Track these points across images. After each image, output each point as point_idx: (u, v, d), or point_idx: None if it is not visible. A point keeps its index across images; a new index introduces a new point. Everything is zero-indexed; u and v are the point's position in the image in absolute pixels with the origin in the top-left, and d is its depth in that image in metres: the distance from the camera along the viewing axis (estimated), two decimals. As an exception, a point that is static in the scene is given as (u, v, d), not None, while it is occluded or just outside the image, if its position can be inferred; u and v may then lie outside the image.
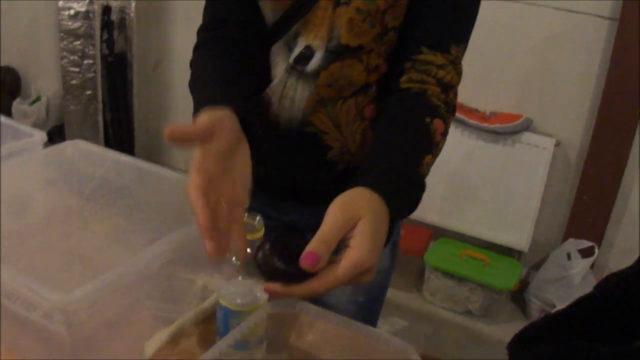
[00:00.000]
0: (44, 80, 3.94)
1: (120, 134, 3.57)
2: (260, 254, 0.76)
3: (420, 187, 0.95)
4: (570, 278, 2.65)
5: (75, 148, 1.26)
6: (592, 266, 2.69)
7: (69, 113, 3.47)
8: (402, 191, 0.92)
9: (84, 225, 1.17)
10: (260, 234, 0.91)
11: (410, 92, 1.05)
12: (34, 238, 1.12)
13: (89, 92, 3.38)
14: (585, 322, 0.61)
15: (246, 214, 0.92)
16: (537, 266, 2.90)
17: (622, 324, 0.57)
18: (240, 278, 0.94)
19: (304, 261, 0.73)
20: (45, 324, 0.90)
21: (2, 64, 3.92)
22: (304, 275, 0.74)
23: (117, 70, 3.44)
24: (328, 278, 0.75)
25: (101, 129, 3.46)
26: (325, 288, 0.75)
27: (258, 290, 0.94)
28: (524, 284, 2.88)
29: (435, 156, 1.00)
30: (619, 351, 0.53)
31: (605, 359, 0.53)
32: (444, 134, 1.02)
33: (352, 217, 0.78)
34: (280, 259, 0.75)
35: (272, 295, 0.78)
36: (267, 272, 0.76)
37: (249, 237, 0.91)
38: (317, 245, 0.74)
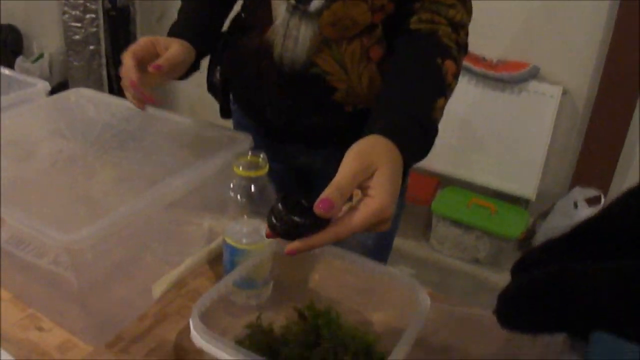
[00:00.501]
0: (46, 37, 3.91)
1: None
2: (273, 215, 0.75)
3: (433, 132, 0.95)
4: (576, 226, 2.64)
5: (79, 95, 1.26)
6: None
7: (73, 69, 3.45)
8: (416, 138, 0.91)
9: (90, 170, 1.17)
10: (265, 170, 0.91)
11: (420, 32, 1.03)
12: (40, 183, 1.12)
13: (92, 47, 3.35)
14: (587, 243, 0.61)
15: (250, 152, 0.92)
16: (544, 215, 2.89)
17: (623, 243, 0.57)
18: (245, 217, 0.94)
19: (319, 207, 0.72)
20: (52, 269, 0.91)
21: (3, 23, 3.89)
22: (320, 226, 0.73)
23: (120, 24, 3.40)
24: (345, 226, 0.74)
25: (105, 84, 3.44)
26: (344, 235, 0.74)
27: (263, 229, 0.94)
28: (530, 233, 2.88)
29: (447, 98, 0.99)
30: (611, 267, 0.53)
31: (596, 277, 0.53)
32: (456, 75, 1.01)
33: (368, 166, 0.78)
34: (294, 213, 0.74)
35: (293, 254, 0.77)
36: (284, 230, 0.74)
37: (253, 174, 0.91)
38: (331, 191, 0.73)
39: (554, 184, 2.90)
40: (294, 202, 0.74)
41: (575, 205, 2.70)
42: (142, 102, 1.08)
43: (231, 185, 0.92)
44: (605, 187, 2.73)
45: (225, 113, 1.38)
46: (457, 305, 1.04)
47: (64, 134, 1.20)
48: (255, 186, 0.91)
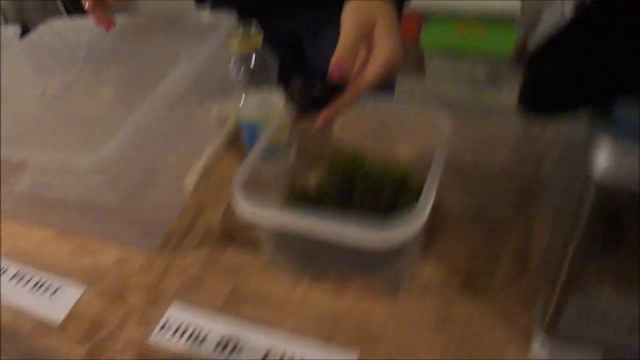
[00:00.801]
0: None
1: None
2: (292, 98, 0.75)
3: None
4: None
5: (52, 28, 1.24)
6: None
7: (27, 12, 3.35)
8: None
9: (88, 93, 1.17)
10: (260, 40, 0.91)
11: None
12: (45, 120, 1.13)
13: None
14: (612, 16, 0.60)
15: (240, 27, 0.91)
16: (533, 28, 2.87)
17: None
18: (253, 91, 0.95)
19: (334, 73, 0.72)
20: (85, 198, 0.93)
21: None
22: (339, 93, 0.74)
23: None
24: (362, 82, 0.74)
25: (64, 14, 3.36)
26: (362, 91, 0.74)
27: (272, 96, 0.95)
28: (523, 48, 2.87)
29: None
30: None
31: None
32: None
33: (367, 21, 0.77)
34: (312, 88, 0.74)
35: (324, 125, 0.77)
36: (307, 107, 0.75)
37: (249, 47, 0.91)
38: (339, 55, 0.73)
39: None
40: (307, 79, 0.74)
41: (563, 14, 2.66)
42: (104, 25, 1.09)
43: (231, 66, 0.92)
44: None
45: None
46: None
47: (52, 68, 1.19)
48: (254, 58, 0.92)
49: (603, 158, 0.51)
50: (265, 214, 0.74)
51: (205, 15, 1.11)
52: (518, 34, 2.84)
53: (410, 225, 0.68)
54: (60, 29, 1.24)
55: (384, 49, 0.76)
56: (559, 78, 0.60)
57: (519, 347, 0.74)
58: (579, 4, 0.66)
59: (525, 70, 0.68)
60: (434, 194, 0.72)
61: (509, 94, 2.78)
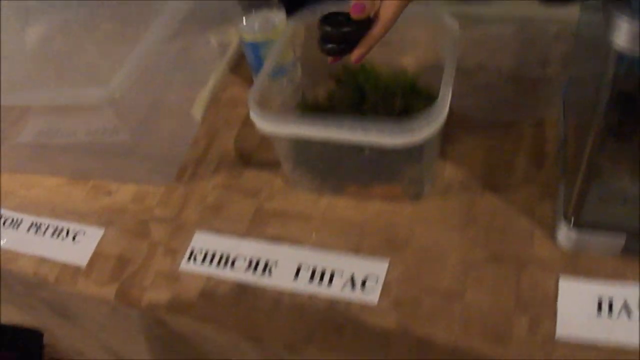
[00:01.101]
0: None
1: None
2: (323, 39, 0.73)
3: None
4: None
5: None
6: None
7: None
8: None
9: (85, 33, 1.15)
10: None
11: None
12: (43, 61, 1.11)
13: None
14: None
15: None
16: None
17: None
18: (253, 12, 0.93)
19: (355, 14, 0.71)
20: (92, 139, 0.93)
21: None
22: (367, 27, 0.73)
23: None
24: (386, 17, 0.72)
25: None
26: (390, 20, 0.72)
27: (273, 16, 0.94)
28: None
29: None
30: None
31: None
32: None
33: None
34: (341, 27, 0.73)
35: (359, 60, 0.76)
36: (339, 46, 0.74)
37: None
38: None
39: None
40: (334, 19, 0.73)
41: None
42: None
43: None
44: None
45: None
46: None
47: (44, 8, 1.16)
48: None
49: (623, 30, 0.51)
50: (285, 124, 0.74)
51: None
52: None
53: (431, 122, 0.68)
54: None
55: None
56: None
57: (543, 238, 0.75)
58: None
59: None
60: (450, 92, 0.71)
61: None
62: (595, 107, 0.60)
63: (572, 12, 0.83)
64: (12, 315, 1.13)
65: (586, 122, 0.63)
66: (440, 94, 0.71)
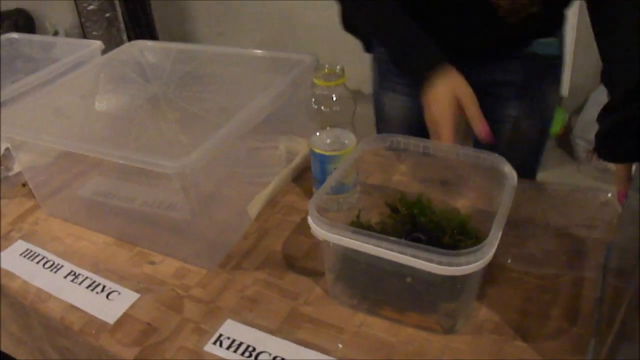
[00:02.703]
0: (58, 14, 3.90)
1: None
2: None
3: None
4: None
5: (136, 46, 1.30)
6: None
7: (92, 39, 3.48)
8: None
9: (163, 112, 1.22)
10: (343, 80, 0.96)
11: None
12: (124, 128, 1.18)
13: (108, 15, 3.38)
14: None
15: (326, 66, 0.97)
16: (578, 110, 2.92)
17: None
18: (328, 128, 1.00)
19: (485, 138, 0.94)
20: (147, 210, 0.97)
21: (11, 8, 3.87)
22: None
23: (131, -13, 3.43)
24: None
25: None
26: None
27: (345, 137, 1.00)
28: (568, 129, 2.91)
29: None
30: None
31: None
32: None
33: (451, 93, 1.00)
34: None
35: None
36: None
37: (333, 83, 0.96)
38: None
39: (584, 79, 2.90)
40: None
41: (609, 96, 2.70)
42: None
43: (313, 98, 0.97)
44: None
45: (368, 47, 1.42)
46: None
47: (133, 81, 1.25)
48: (335, 95, 0.97)
49: None
50: (339, 234, 0.78)
51: (290, 52, 1.16)
52: (565, 116, 2.89)
53: (476, 259, 0.71)
54: (144, 49, 1.31)
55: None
56: (632, 129, 0.64)
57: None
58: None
59: (599, 121, 0.72)
60: (499, 235, 0.75)
61: (552, 171, 2.81)
62: (633, 273, 0.63)
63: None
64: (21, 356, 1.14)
65: (623, 287, 0.65)
66: (490, 234, 0.74)
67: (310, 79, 0.98)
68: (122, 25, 3.42)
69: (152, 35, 3.60)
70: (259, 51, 1.20)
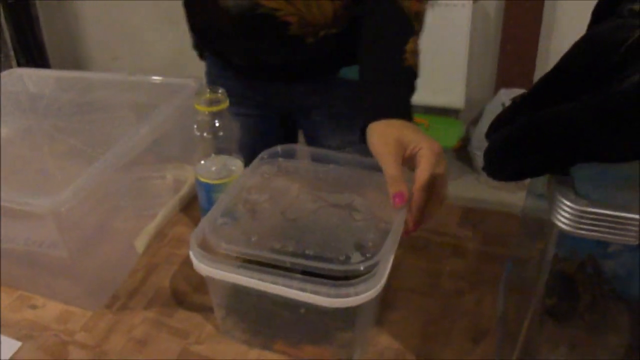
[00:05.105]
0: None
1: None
2: None
3: (413, 77, 1.01)
4: (508, 126, 2.74)
5: (14, 75, 1.24)
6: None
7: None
8: (402, 95, 0.96)
9: (46, 143, 1.17)
10: (226, 104, 0.93)
11: None
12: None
13: (-5, 40, 3.25)
14: (550, 92, 0.66)
15: (208, 90, 0.93)
16: (475, 121, 2.99)
17: (580, 83, 0.63)
18: (212, 155, 0.96)
19: (398, 204, 0.80)
20: (29, 249, 0.91)
21: None
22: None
23: (20, 11, 3.30)
24: (421, 181, 0.81)
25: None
26: (425, 185, 0.81)
27: (231, 164, 0.97)
28: (465, 141, 2.98)
29: (418, 31, 1.04)
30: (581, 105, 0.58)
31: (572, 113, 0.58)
32: (418, 13, 1.05)
33: (396, 140, 0.84)
34: None
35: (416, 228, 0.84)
36: None
37: (216, 109, 0.93)
38: (395, 187, 0.81)
39: (479, 90, 2.99)
40: None
41: (504, 106, 2.78)
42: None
43: (195, 125, 0.94)
44: (528, 85, 2.83)
45: None
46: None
47: (13, 113, 1.18)
48: (219, 121, 0.93)
49: (565, 210, 0.55)
50: (223, 268, 0.74)
51: (171, 78, 1.13)
52: (462, 128, 2.95)
53: (367, 287, 0.69)
54: (23, 77, 1.24)
55: (423, 145, 0.83)
56: (518, 148, 0.64)
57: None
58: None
59: (488, 138, 0.72)
60: (390, 261, 0.73)
61: (451, 183, 2.86)
62: (534, 287, 0.62)
63: (518, 197, 0.88)
64: None
65: (524, 302, 0.65)
66: (382, 259, 0.72)
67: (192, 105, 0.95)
68: (11, 51, 3.28)
69: (44, 60, 3.47)
70: (143, 76, 1.15)
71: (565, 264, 0.65)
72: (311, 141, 1.40)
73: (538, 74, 2.85)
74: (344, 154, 0.95)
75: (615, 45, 0.61)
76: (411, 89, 0.99)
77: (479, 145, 2.84)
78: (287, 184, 0.95)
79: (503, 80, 2.90)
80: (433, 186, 0.82)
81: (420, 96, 2.99)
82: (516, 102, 0.71)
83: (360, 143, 0.91)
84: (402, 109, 0.92)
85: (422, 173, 0.81)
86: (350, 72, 1.25)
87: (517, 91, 2.76)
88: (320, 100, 1.31)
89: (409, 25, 1.02)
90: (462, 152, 2.99)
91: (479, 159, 2.85)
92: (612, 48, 0.61)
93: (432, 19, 2.71)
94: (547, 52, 2.82)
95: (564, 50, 0.68)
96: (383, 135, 0.87)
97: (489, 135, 0.72)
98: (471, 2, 2.76)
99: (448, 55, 2.85)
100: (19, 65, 3.35)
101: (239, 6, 1.11)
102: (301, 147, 0.96)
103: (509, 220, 1.08)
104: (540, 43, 2.80)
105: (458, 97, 2.90)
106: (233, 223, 0.93)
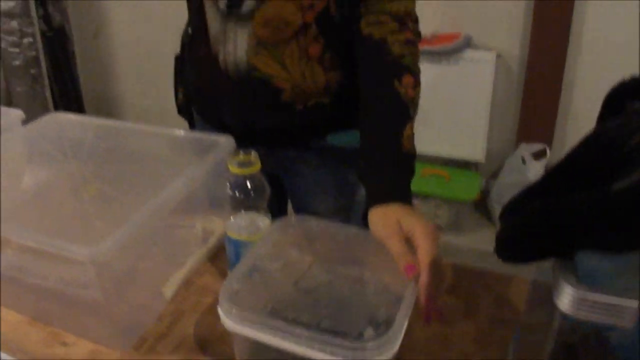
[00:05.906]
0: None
1: (69, 107, 3.57)
2: None
3: (411, 160, 1.06)
4: (527, 181, 2.77)
5: (56, 119, 1.30)
6: (545, 166, 2.83)
7: (16, 96, 3.43)
8: (402, 179, 1.03)
9: (80, 191, 1.22)
10: (258, 167, 0.99)
11: (372, 40, 1.10)
12: (35, 206, 1.17)
13: (33, 71, 3.34)
14: (560, 183, 0.72)
15: (241, 152, 0.99)
16: (495, 175, 3.03)
17: (588, 176, 0.68)
18: (243, 212, 1.02)
19: (410, 274, 0.86)
20: (62, 288, 0.96)
21: None
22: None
23: (57, 45, 3.41)
24: (425, 259, 0.87)
25: (51, 105, 3.44)
26: (429, 264, 0.86)
27: (260, 220, 1.02)
28: (484, 193, 3.02)
29: (413, 117, 1.08)
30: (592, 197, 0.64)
31: (583, 204, 0.64)
32: (416, 84, 1.09)
33: (396, 222, 0.92)
34: None
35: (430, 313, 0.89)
36: None
37: (248, 171, 0.99)
38: (403, 261, 0.87)
39: (500, 144, 3.02)
40: None
41: (523, 161, 2.83)
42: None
43: (228, 184, 1.00)
44: (548, 140, 2.87)
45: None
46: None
47: (52, 157, 1.24)
48: (250, 182, 0.99)
49: (566, 294, 0.60)
50: (248, 326, 0.79)
51: (206, 134, 1.18)
52: (481, 181, 2.99)
53: (381, 352, 0.74)
54: (64, 122, 1.30)
55: (419, 229, 0.90)
56: (529, 231, 0.70)
57: None
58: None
59: (500, 222, 0.77)
60: (405, 325, 0.78)
61: (469, 236, 2.90)
62: (540, 354, 0.67)
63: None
64: None
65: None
66: (395, 324, 0.77)
67: (226, 162, 1.01)
68: (47, 82, 3.38)
69: (77, 94, 3.57)
70: (177, 130, 1.21)
71: (570, 335, 0.69)
72: (298, 206, 1.45)
73: (558, 130, 2.89)
74: (350, 227, 1.01)
75: (619, 144, 0.67)
76: (410, 172, 1.05)
77: (498, 199, 2.88)
78: (299, 254, 1.01)
79: (524, 135, 2.94)
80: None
81: (442, 148, 3.08)
82: (529, 188, 0.76)
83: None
84: (401, 194, 0.99)
85: (424, 254, 0.87)
86: (339, 139, 1.30)
87: (537, 146, 2.81)
88: (307, 166, 1.35)
89: (406, 111, 1.07)
90: (480, 205, 3.03)
91: (497, 212, 2.88)
92: (616, 147, 0.67)
93: (456, 72, 2.81)
94: (568, 108, 2.87)
95: (584, 108, 0.73)
96: (384, 217, 0.95)
97: (502, 216, 0.77)
98: (494, 57, 2.82)
99: (470, 109, 2.91)
100: (53, 96, 3.44)
101: (237, 67, 1.18)
102: (310, 217, 1.02)
103: (520, 284, 1.11)
104: (561, 99, 2.85)
105: (479, 150, 2.94)
106: (249, 290, 0.99)
